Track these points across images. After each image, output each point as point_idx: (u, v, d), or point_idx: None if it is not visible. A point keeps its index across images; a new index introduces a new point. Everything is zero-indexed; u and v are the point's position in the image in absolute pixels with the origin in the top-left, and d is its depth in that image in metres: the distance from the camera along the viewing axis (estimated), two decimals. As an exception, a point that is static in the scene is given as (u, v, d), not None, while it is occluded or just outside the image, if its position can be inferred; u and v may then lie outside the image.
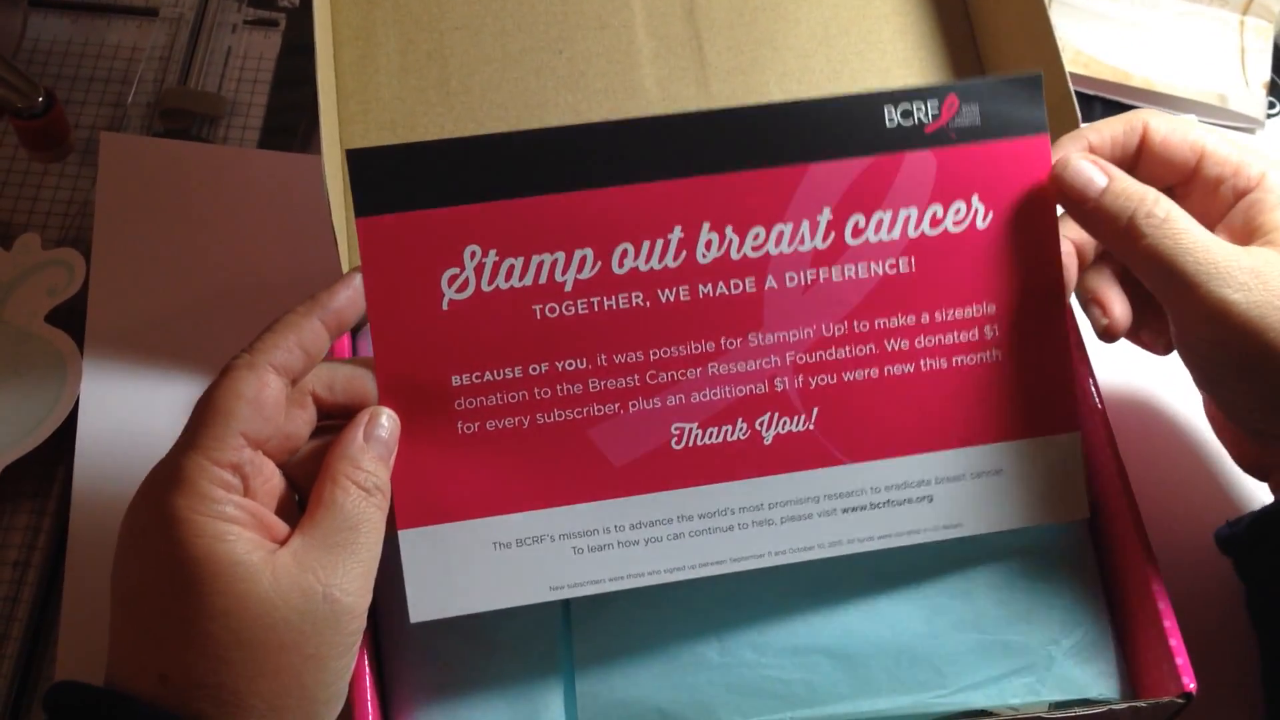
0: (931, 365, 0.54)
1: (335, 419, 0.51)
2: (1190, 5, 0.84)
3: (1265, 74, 0.82)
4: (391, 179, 0.50)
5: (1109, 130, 0.56)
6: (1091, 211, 0.53)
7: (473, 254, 0.50)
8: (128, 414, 0.67)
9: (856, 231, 0.53)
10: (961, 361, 0.54)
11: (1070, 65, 0.62)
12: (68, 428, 0.67)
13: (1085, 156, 0.53)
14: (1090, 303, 0.56)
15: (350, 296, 0.50)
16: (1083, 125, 0.56)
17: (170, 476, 0.45)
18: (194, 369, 0.69)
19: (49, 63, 0.80)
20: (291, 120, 0.79)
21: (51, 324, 0.70)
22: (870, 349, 0.53)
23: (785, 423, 0.53)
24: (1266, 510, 0.56)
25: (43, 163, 0.77)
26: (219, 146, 0.78)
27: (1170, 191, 0.57)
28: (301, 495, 0.50)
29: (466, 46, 0.69)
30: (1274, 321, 0.50)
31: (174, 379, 0.68)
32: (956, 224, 0.53)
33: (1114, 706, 0.53)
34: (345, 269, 0.59)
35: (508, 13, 0.70)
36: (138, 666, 0.45)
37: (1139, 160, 0.56)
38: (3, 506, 0.67)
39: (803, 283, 0.52)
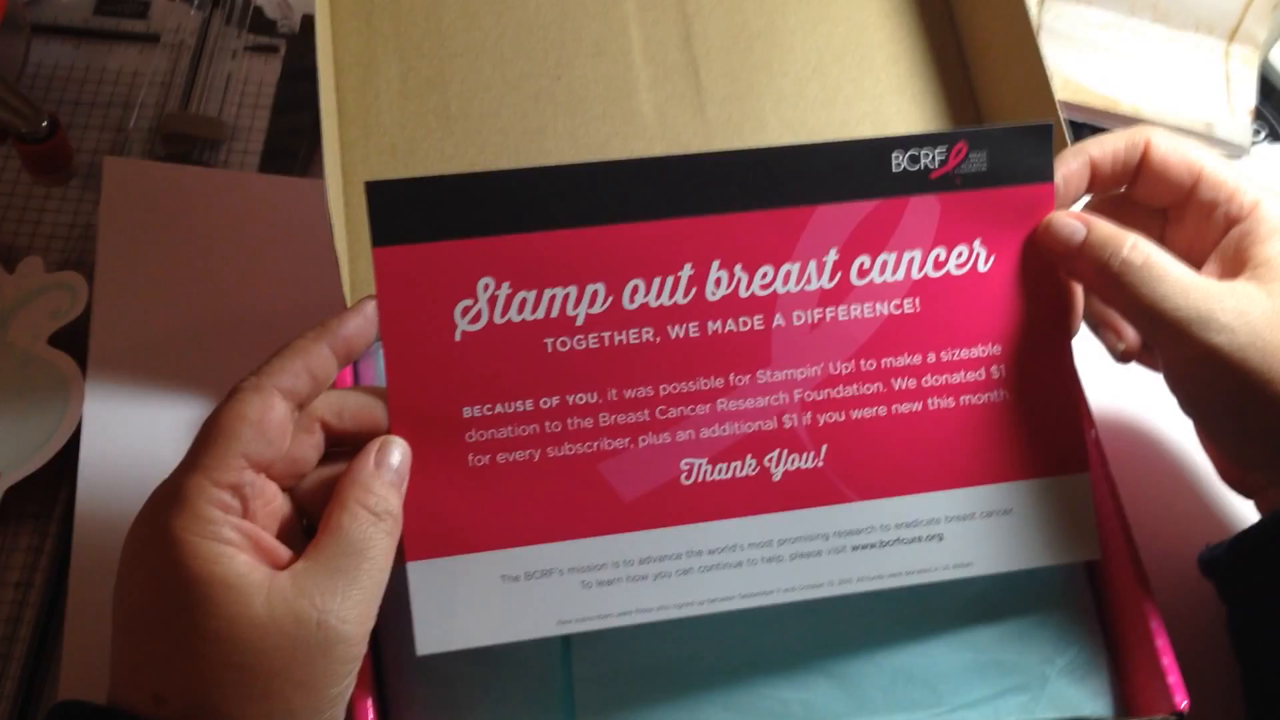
0: (939, 404, 0.54)
1: (344, 447, 0.51)
2: (1177, 33, 0.85)
3: (1250, 101, 0.83)
4: (408, 210, 0.50)
5: (1111, 145, 0.56)
6: (1075, 263, 0.53)
7: (486, 286, 0.51)
8: (130, 436, 0.67)
9: (862, 272, 0.53)
10: (969, 401, 0.54)
11: (1059, 93, 0.63)
12: (70, 449, 0.67)
13: (1066, 213, 0.54)
14: (1102, 327, 0.56)
15: (360, 325, 0.50)
16: (1088, 138, 0.57)
17: (170, 496, 0.45)
18: (196, 391, 0.69)
19: (51, 88, 0.81)
20: (292, 145, 0.79)
21: (54, 346, 0.70)
22: (878, 387, 0.54)
23: (794, 459, 0.53)
24: (1246, 533, 0.57)
25: (45, 186, 0.77)
26: (221, 170, 0.78)
27: (1165, 214, 0.58)
28: (309, 521, 0.50)
29: (466, 72, 0.69)
30: (1258, 363, 0.51)
31: (176, 401, 0.69)
32: (959, 267, 0.54)
33: (1107, 725, 0.54)
34: (347, 292, 0.60)
35: (507, 40, 0.70)
36: (135, 685, 0.45)
37: (1138, 177, 0.57)
38: (6, 527, 0.67)
39: (810, 321, 0.53)
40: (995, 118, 0.69)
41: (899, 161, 0.53)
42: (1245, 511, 0.66)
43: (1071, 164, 0.56)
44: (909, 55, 0.73)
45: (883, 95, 0.71)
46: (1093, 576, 0.59)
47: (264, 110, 0.81)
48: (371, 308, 0.50)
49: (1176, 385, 0.54)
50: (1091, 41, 0.84)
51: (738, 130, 0.70)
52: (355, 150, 0.67)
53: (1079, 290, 0.56)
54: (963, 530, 0.55)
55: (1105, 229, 0.53)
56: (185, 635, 0.44)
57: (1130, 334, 0.56)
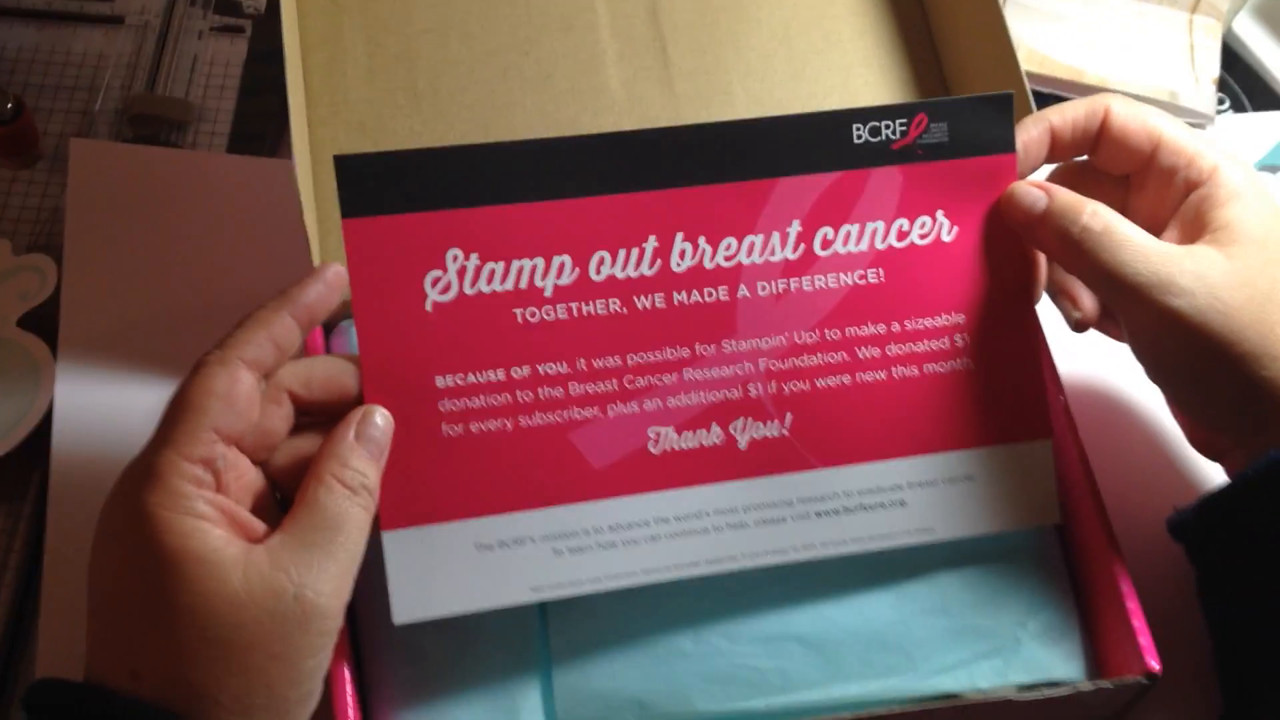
0: (903, 373, 0.55)
1: (313, 416, 0.51)
2: (1140, 5, 0.86)
3: (1214, 70, 0.84)
4: (377, 183, 0.50)
5: (1071, 113, 0.57)
6: (1037, 231, 0.54)
7: (455, 257, 0.51)
8: (102, 416, 0.67)
9: (825, 243, 0.54)
10: (932, 369, 0.55)
11: (1025, 64, 0.63)
12: (42, 431, 0.67)
13: (1028, 181, 0.55)
14: (1060, 295, 0.57)
15: (320, 291, 0.50)
16: (1049, 107, 0.57)
17: (142, 473, 0.45)
18: (167, 371, 0.69)
19: (16, 71, 0.80)
20: (259, 127, 0.79)
21: (24, 329, 0.70)
22: (842, 356, 0.54)
23: (759, 428, 0.54)
24: (1212, 495, 0.57)
25: (12, 169, 0.77)
26: (189, 151, 0.78)
27: (1127, 181, 0.58)
28: (282, 492, 0.50)
29: (433, 49, 0.69)
30: (1218, 325, 0.51)
31: (147, 381, 0.69)
32: (922, 237, 0.54)
33: (1080, 687, 0.54)
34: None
35: (474, 16, 0.70)
36: (111, 662, 0.45)
37: (1098, 145, 0.57)
38: (-22, 511, 0.67)
39: (774, 292, 0.54)
40: (962, 89, 0.70)
41: (860, 133, 0.53)
42: (1213, 474, 0.66)
43: (1032, 131, 0.56)
44: (875, 28, 0.73)
45: (850, 68, 0.72)
46: (1063, 540, 0.60)
47: (231, 92, 0.81)
48: (331, 273, 0.50)
49: (1140, 351, 0.55)
50: (1056, 13, 0.85)
51: (706, 104, 0.70)
52: (323, 128, 0.67)
53: (1042, 259, 0.56)
54: (925, 496, 0.55)
55: (1066, 197, 0.53)
56: (161, 611, 0.44)
57: (1087, 302, 0.57)
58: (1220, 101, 0.84)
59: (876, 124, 0.54)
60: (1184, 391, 0.56)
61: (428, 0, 0.70)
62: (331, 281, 0.50)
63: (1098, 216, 0.53)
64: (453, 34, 0.70)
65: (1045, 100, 0.82)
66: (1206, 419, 0.57)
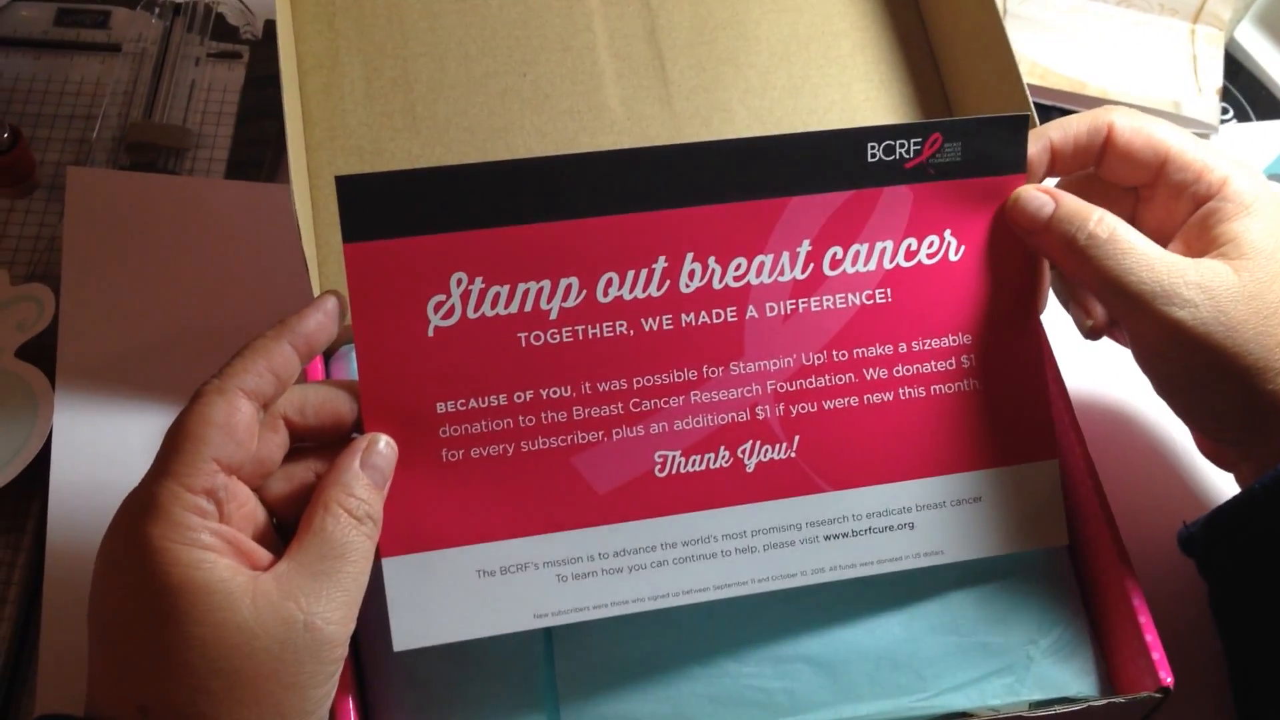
0: (910, 394, 0.54)
1: (308, 442, 0.51)
2: (1142, 15, 0.85)
3: (1217, 80, 0.83)
4: (380, 205, 0.50)
5: (1074, 129, 0.56)
6: (1042, 237, 0.53)
7: (459, 281, 0.51)
8: (101, 446, 0.67)
9: (834, 263, 0.53)
10: (939, 390, 0.55)
11: (1027, 77, 0.63)
12: (41, 461, 0.67)
13: (1034, 187, 0.54)
14: (1071, 303, 0.56)
15: (320, 320, 0.50)
16: (1050, 122, 0.57)
17: (144, 505, 0.45)
18: (166, 400, 0.69)
19: (13, 100, 0.80)
20: (257, 153, 0.79)
21: (22, 359, 0.69)
22: (850, 378, 0.54)
23: (767, 450, 0.53)
24: (1220, 509, 0.57)
25: (9, 199, 0.77)
26: (186, 178, 0.77)
27: (1135, 193, 0.58)
28: (278, 518, 0.50)
29: (431, 72, 0.69)
30: (1221, 338, 0.51)
31: (147, 410, 0.68)
32: (930, 257, 0.54)
33: (1093, 704, 0.54)
34: (316, 295, 0.59)
35: (471, 38, 0.70)
36: (117, 698, 0.44)
37: (1103, 160, 0.56)
38: (-22, 542, 0.66)
39: (783, 313, 0.53)
40: (963, 103, 0.69)
41: (874, 152, 0.53)
42: (1225, 485, 0.66)
43: (1031, 148, 0.55)
44: (875, 42, 0.73)
45: (850, 83, 0.71)
46: (1074, 556, 0.59)
47: (229, 118, 0.80)
48: (331, 303, 0.50)
49: (1144, 361, 0.55)
50: (1057, 25, 0.85)
51: (706, 122, 0.69)
52: (321, 152, 0.67)
53: (1045, 266, 0.56)
54: (934, 518, 0.55)
55: (1073, 204, 0.53)
56: (170, 645, 0.44)
57: (1099, 310, 0.56)
58: (1224, 111, 0.84)
59: (891, 143, 0.53)
60: (1188, 403, 0.55)
61: (424, 24, 0.70)
62: (331, 311, 0.50)
63: (1103, 224, 0.52)
64: (450, 57, 0.69)
65: (1046, 113, 0.81)
66: (1212, 431, 0.57)
